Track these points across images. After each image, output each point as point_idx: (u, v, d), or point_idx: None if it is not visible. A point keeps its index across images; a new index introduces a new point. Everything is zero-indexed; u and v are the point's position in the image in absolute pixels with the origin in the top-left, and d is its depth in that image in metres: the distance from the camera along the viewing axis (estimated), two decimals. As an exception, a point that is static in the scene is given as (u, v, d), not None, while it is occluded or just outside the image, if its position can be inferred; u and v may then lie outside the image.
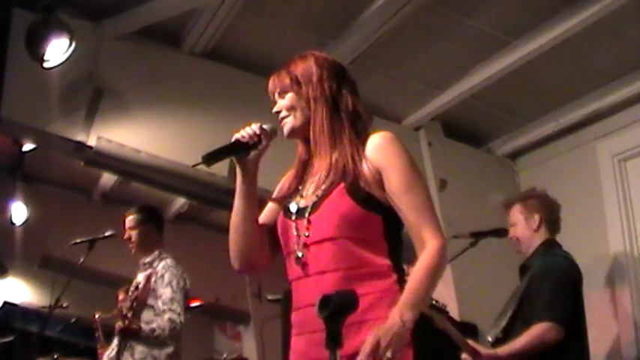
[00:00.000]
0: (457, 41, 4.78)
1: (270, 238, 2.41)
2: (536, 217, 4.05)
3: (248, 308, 7.69)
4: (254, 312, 7.57)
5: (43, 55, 4.30)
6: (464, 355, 3.68)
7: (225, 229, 2.54)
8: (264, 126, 2.35)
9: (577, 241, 4.32)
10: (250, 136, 2.32)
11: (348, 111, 2.34)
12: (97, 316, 6.67)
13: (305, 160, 2.43)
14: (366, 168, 2.25)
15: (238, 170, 2.36)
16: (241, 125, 2.38)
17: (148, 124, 4.84)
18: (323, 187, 2.27)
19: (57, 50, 4.31)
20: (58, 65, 4.36)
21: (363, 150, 2.28)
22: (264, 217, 2.47)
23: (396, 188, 2.22)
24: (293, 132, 2.38)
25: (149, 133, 4.82)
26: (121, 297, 6.42)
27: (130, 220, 4.89)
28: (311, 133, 2.34)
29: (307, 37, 4.79)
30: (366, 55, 4.84)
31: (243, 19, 4.70)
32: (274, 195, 2.48)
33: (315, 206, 2.26)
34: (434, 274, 2.16)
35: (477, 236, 4.45)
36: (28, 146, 6.08)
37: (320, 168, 2.32)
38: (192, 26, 4.82)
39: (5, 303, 9.32)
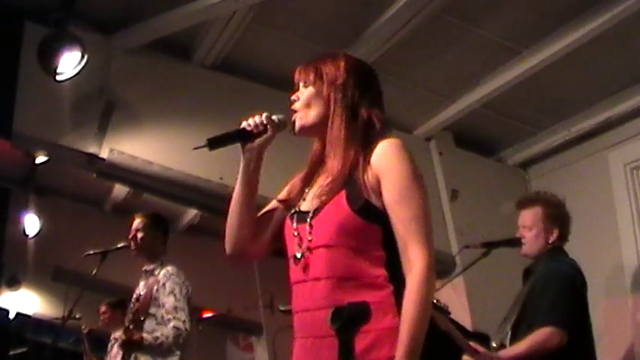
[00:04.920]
0: (468, 51, 4.78)
1: (266, 231, 2.42)
2: (555, 231, 4.02)
3: (260, 319, 7.68)
4: (266, 323, 7.56)
5: (56, 68, 4.31)
6: (465, 357, 3.67)
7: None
8: (273, 117, 2.35)
9: (589, 250, 4.31)
10: (256, 125, 2.33)
11: (363, 121, 2.30)
12: (83, 327, 6.76)
13: (317, 159, 2.40)
14: (368, 176, 2.19)
15: (242, 157, 2.37)
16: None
17: (160, 136, 4.85)
18: (327, 192, 2.24)
19: (69, 63, 4.32)
20: (70, 78, 4.38)
21: (370, 157, 2.23)
22: (265, 209, 2.46)
23: (389, 198, 2.15)
24: (303, 129, 2.35)
25: (161, 145, 4.83)
26: (102, 309, 6.55)
27: (139, 222, 4.90)
28: (327, 135, 2.31)
29: (317, 48, 4.79)
30: (376, 66, 4.72)
31: (253, 31, 4.72)
32: (282, 194, 2.47)
33: (317, 211, 2.24)
34: (422, 309, 2.05)
35: (489, 246, 4.42)
36: (40, 158, 6.09)
37: (328, 172, 2.28)
38: (202, 38, 4.84)
39: (18, 314, 9.36)
